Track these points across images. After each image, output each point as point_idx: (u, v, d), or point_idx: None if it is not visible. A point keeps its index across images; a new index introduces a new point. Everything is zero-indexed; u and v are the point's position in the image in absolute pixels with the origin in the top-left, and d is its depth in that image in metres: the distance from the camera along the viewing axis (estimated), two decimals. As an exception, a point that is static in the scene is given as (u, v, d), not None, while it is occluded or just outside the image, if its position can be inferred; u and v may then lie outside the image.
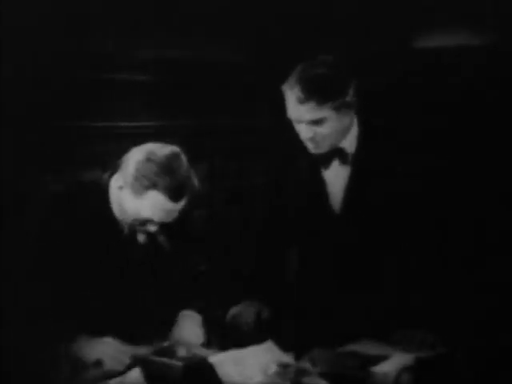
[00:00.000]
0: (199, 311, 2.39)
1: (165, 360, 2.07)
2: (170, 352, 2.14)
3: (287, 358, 2.14)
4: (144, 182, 2.17)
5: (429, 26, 3.52)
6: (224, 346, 2.25)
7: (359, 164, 2.42)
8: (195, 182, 2.24)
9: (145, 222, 2.24)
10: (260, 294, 2.54)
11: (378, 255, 2.41)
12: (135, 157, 2.21)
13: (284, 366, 2.08)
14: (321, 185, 2.46)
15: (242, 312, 2.51)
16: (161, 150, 2.20)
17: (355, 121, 2.44)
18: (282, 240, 2.59)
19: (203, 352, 2.19)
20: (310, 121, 2.32)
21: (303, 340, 2.25)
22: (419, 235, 2.39)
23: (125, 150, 2.27)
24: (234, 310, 2.53)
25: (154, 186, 2.16)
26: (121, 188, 2.24)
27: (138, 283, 2.32)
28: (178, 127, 3.39)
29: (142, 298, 2.33)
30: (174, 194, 2.17)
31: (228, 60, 3.61)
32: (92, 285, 2.24)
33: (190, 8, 3.25)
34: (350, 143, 2.43)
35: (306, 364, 2.10)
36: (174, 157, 2.20)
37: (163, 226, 2.27)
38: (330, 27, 3.49)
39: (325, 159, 2.44)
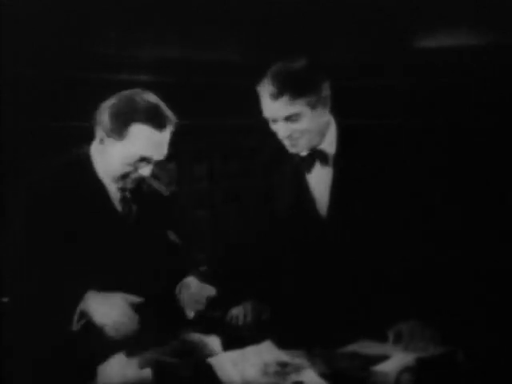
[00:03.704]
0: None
1: (174, 360, 2.08)
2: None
3: (286, 358, 2.14)
4: (123, 119, 2.14)
5: (429, 26, 3.52)
6: (224, 346, 2.26)
7: (341, 165, 2.41)
8: (170, 112, 2.23)
9: (138, 163, 2.17)
10: (260, 294, 2.54)
11: (371, 255, 2.40)
12: (106, 106, 2.19)
13: (283, 366, 2.08)
14: (306, 190, 2.46)
15: (242, 312, 2.52)
16: (125, 91, 2.21)
17: (333, 122, 2.44)
18: (276, 243, 2.58)
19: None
20: (285, 117, 2.33)
21: (303, 340, 2.25)
22: (410, 233, 2.38)
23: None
24: (233, 310, 2.54)
25: (133, 119, 2.14)
26: (102, 141, 2.19)
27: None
28: (178, 127, 3.39)
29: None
30: (156, 121, 2.14)
31: (227, 60, 3.61)
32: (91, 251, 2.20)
33: (189, 8, 3.25)
34: (329, 144, 2.42)
35: (305, 364, 2.10)
36: (139, 91, 2.20)
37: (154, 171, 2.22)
38: (329, 27, 3.49)
39: (306, 162, 2.44)
